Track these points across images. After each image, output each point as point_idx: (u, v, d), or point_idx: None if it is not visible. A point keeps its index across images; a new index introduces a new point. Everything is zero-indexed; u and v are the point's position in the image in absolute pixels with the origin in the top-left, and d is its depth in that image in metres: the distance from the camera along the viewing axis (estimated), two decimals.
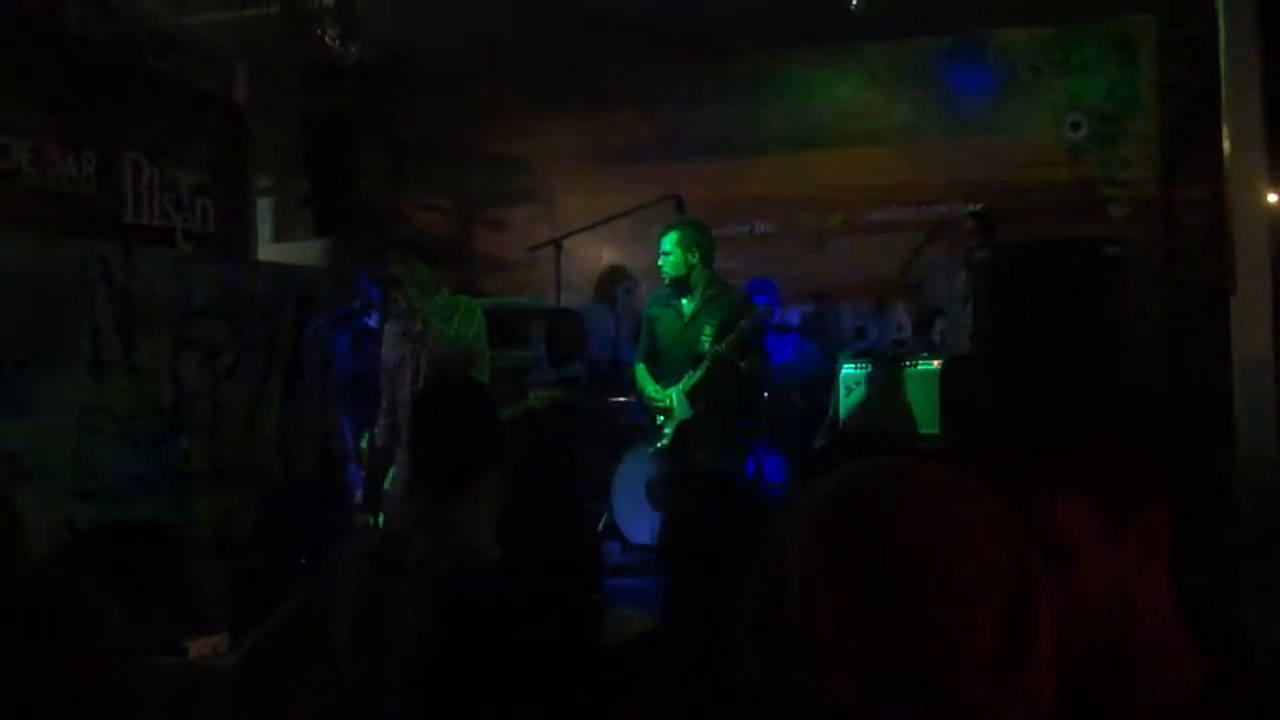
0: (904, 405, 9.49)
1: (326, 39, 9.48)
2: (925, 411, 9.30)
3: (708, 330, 8.82)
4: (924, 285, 10.44)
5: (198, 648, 7.80)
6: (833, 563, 1.44)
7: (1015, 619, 1.42)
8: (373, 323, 9.95)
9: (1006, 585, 1.42)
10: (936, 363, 9.46)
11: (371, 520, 8.73)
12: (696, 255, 8.86)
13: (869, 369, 9.80)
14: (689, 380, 8.84)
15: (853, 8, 9.34)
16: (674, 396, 8.87)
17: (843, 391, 9.84)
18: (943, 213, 11.27)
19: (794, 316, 11.69)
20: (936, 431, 9.08)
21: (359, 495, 9.57)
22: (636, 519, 9.56)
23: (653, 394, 9.00)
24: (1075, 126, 11.44)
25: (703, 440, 8.74)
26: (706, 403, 8.76)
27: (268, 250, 12.52)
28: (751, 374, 8.79)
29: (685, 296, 8.95)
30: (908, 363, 9.69)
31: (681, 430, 8.88)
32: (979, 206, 10.85)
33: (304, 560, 8.41)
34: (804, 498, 1.53)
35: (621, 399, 10.96)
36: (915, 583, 1.40)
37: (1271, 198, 9.32)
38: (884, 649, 1.40)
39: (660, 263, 9.00)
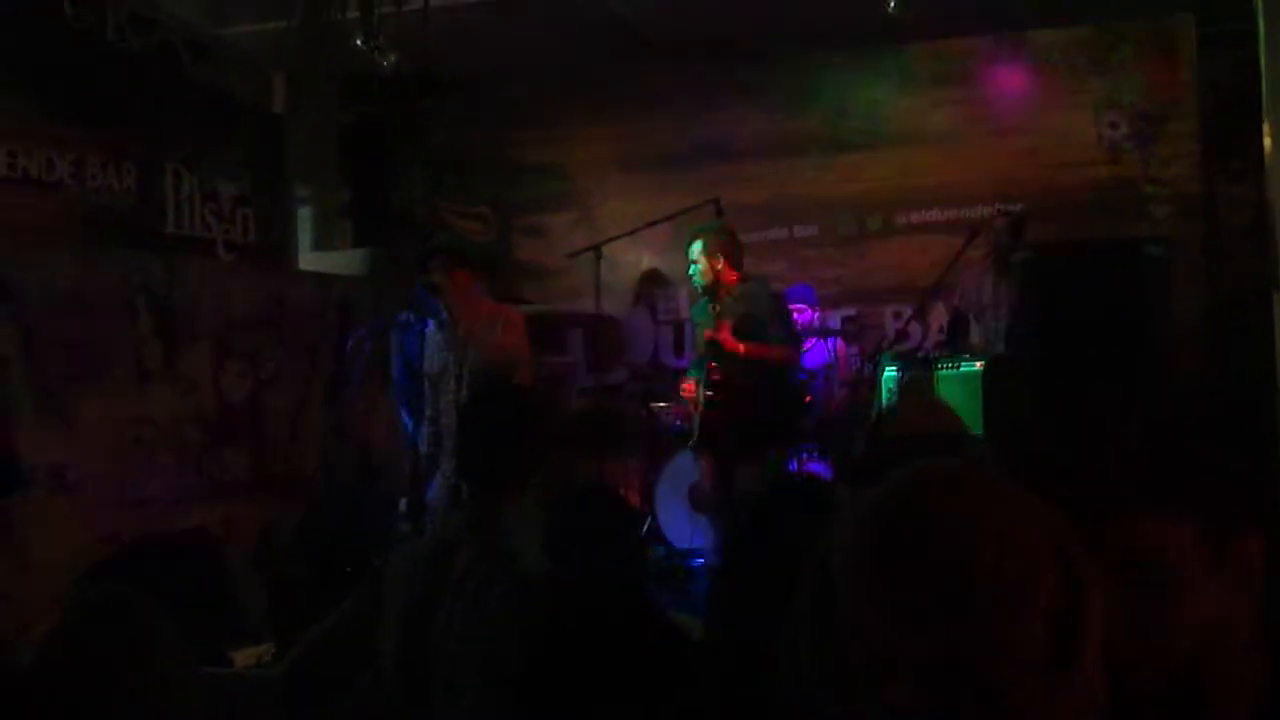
0: (944, 407, 9.47)
1: (363, 48, 9.49)
2: (968, 414, 9.27)
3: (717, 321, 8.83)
4: (957, 288, 10.38)
5: (243, 658, 7.83)
6: (880, 567, 1.44)
7: (1064, 620, 1.41)
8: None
9: (1053, 586, 1.41)
10: (979, 365, 9.43)
11: (415, 528, 8.73)
12: (722, 260, 8.84)
13: (911, 372, 9.78)
14: (694, 372, 8.85)
15: (890, 9, 9.31)
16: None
17: (884, 394, 9.82)
18: (983, 214, 11.19)
19: (835, 320, 11.65)
20: (979, 434, 9.05)
21: (403, 504, 9.57)
22: (680, 524, 9.56)
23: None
24: (1115, 125, 11.37)
25: (726, 436, 8.69)
26: (725, 396, 8.71)
27: (308, 259, 12.55)
28: (762, 363, 8.67)
29: (717, 301, 8.93)
30: (949, 365, 9.66)
31: (705, 425, 8.85)
32: (1011, 206, 10.81)
33: (348, 569, 8.42)
34: (852, 505, 1.52)
35: (663, 404, 10.96)
36: (961, 586, 1.40)
37: None
38: (934, 652, 1.39)
39: (689, 271, 9.00)
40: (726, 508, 8.53)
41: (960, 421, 9.08)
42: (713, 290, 8.93)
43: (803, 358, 9.36)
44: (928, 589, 1.40)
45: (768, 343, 8.70)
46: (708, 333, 8.78)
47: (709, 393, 8.78)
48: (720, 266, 8.83)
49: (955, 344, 10.37)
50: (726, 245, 8.91)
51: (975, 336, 10.42)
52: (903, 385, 9.64)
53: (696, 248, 8.94)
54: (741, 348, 8.63)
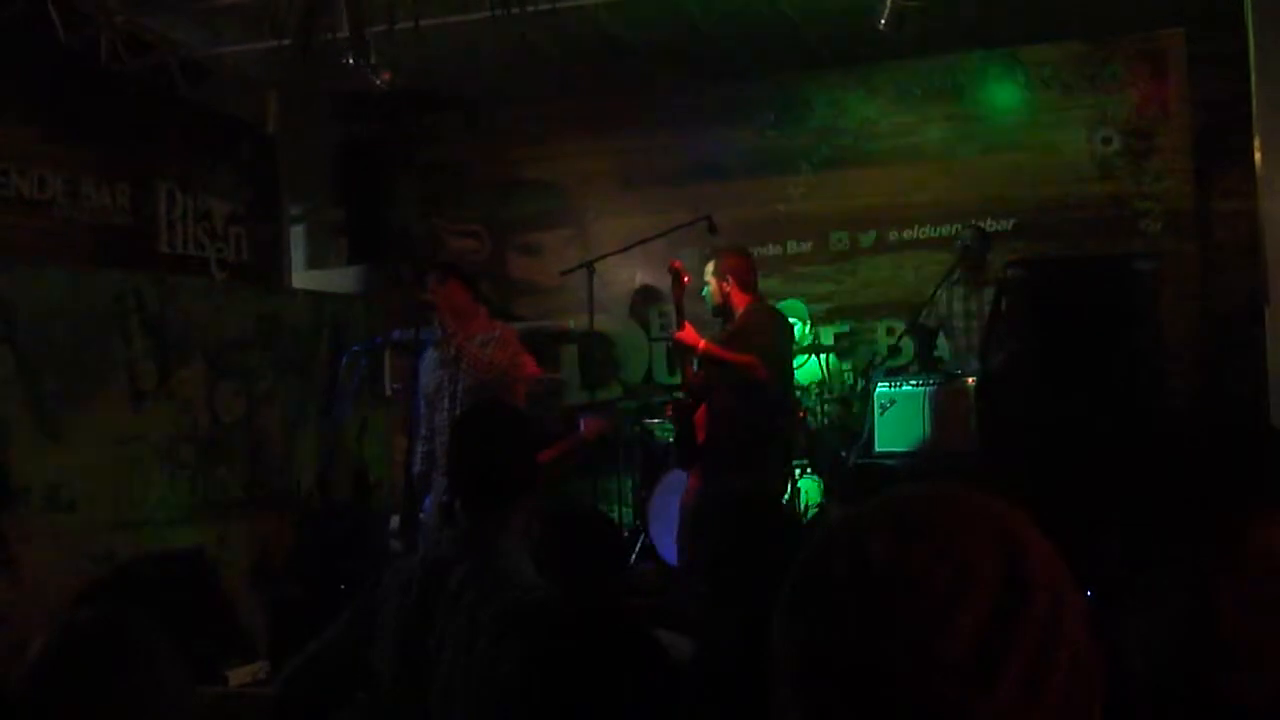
0: (936, 423, 9.49)
1: (355, 67, 9.51)
2: (959, 430, 9.29)
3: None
4: (927, 303, 10.39)
5: (238, 676, 7.85)
6: (819, 576, 1.45)
7: (996, 630, 1.40)
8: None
9: (986, 592, 1.41)
10: (970, 380, 9.45)
11: (408, 546, 8.73)
12: (731, 281, 8.84)
13: (902, 387, 9.80)
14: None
15: (882, 26, 9.34)
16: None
17: (877, 410, 9.84)
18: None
19: (828, 336, 11.67)
20: (971, 450, 9.06)
21: (396, 522, 9.58)
22: (672, 540, 9.56)
23: None
24: (1106, 141, 11.40)
25: (718, 457, 8.69)
26: (718, 415, 8.71)
27: (302, 278, 12.56)
28: (752, 380, 8.67)
29: (728, 322, 8.94)
30: (940, 380, 9.69)
31: (676, 426, 8.89)
32: (975, 222, 10.82)
33: (342, 587, 8.43)
34: (842, 523, 1.53)
35: (655, 421, 10.98)
36: (890, 590, 1.39)
37: None
38: (859, 655, 1.39)
39: (701, 291, 9.02)
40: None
41: (948, 437, 9.15)
42: (723, 311, 8.94)
43: (786, 383, 9.27)
44: (856, 592, 1.40)
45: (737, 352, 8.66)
46: (674, 333, 8.80)
47: (679, 394, 8.81)
48: (729, 289, 8.84)
49: (925, 358, 10.40)
50: (736, 268, 8.90)
51: (943, 351, 10.45)
52: (895, 401, 9.67)
53: (707, 269, 8.98)
54: (701, 343, 8.62)
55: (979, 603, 1.38)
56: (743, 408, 8.59)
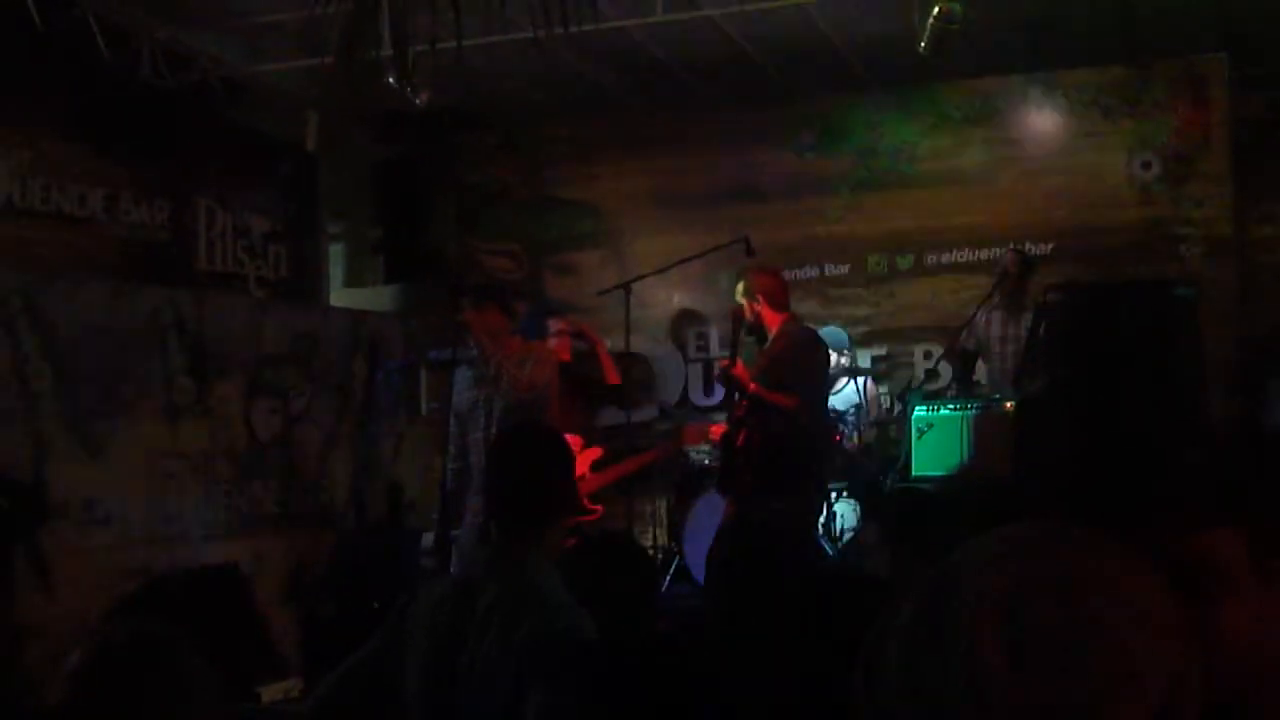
0: (974, 448, 9.45)
1: (396, 87, 9.53)
2: (997, 455, 9.25)
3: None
4: (966, 328, 10.36)
5: (270, 693, 7.84)
6: (1011, 606, 1.44)
7: (1173, 702, 1.42)
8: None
9: (1173, 667, 1.42)
10: (1009, 405, 9.41)
11: (441, 566, 8.72)
12: (762, 301, 8.84)
13: (939, 411, 9.77)
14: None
15: (921, 49, 9.33)
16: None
17: (914, 434, 9.81)
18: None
19: (865, 359, 11.64)
20: (1009, 476, 9.01)
21: (429, 540, 9.57)
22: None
23: None
24: (1146, 166, 11.36)
25: (754, 480, 8.69)
26: (755, 441, 8.72)
27: (339, 296, 12.59)
28: (773, 405, 8.68)
29: (762, 342, 8.95)
30: (978, 405, 9.65)
31: (723, 458, 8.91)
32: (1019, 245, 10.81)
33: (375, 606, 8.43)
34: (978, 549, 1.52)
35: (694, 446, 10.97)
36: (1091, 644, 1.40)
37: None
38: (1049, 705, 1.40)
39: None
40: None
41: (987, 461, 9.12)
42: (756, 331, 8.95)
43: (818, 411, 9.28)
44: (1053, 651, 1.41)
45: (785, 391, 8.68)
46: (722, 362, 8.82)
47: (728, 427, 8.82)
48: (760, 309, 8.84)
49: (964, 383, 10.37)
50: (767, 286, 8.91)
51: (982, 375, 10.42)
52: (932, 424, 9.64)
53: (738, 288, 8.99)
54: (751, 386, 8.65)
55: (1156, 691, 1.40)
56: (780, 435, 8.61)
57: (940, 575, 1.53)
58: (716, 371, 8.84)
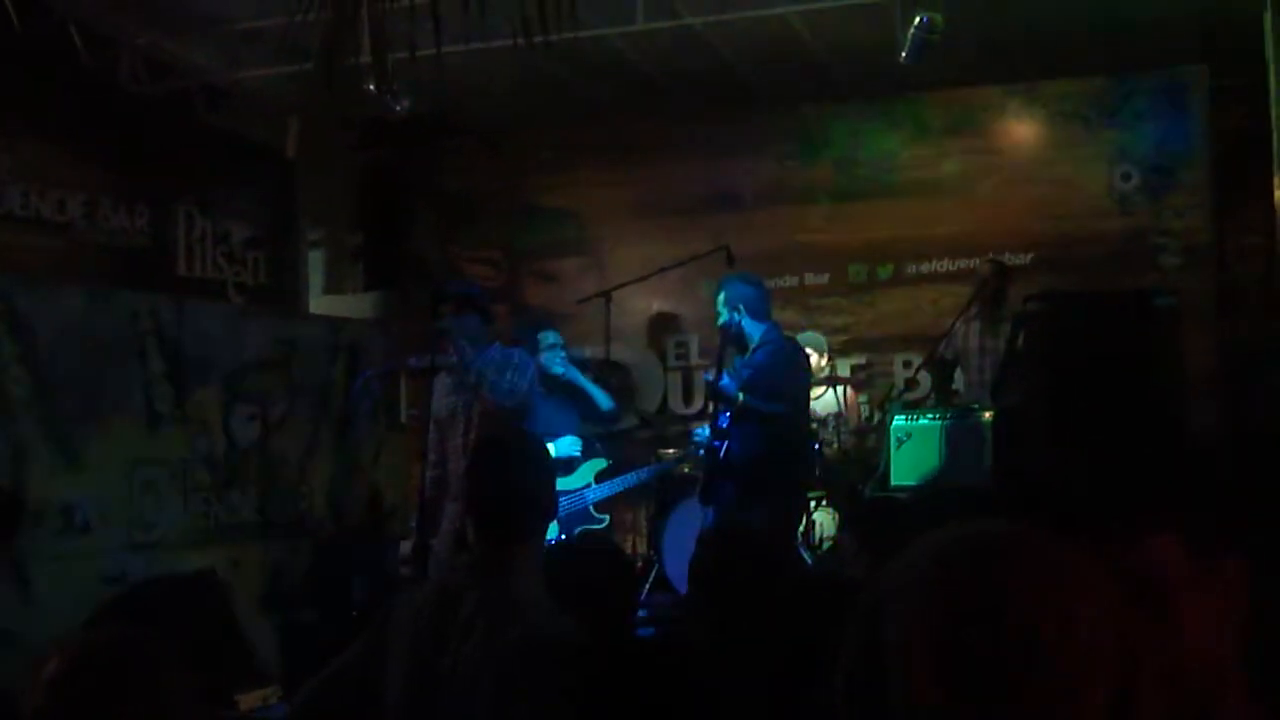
0: (953, 456, 9.45)
1: (376, 93, 9.52)
2: (974, 464, 9.25)
3: (745, 374, 8.85)
4: (945, 338, 10.38)
5: (248, 700, 7.82)
6: (942, 636, 1.44)
7: (1118, 707, 1.41)
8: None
9: (1114, 669, 1.41)
10: (987, 415, 9.41)
11: (419, 573, 8.70)
12: (742, 309, 8.85)
13: (918, 420, 9.77)
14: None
15: (902, 59, 9.34)
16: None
17: (893, 443, 9.81)
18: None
19: (845, 368, 11.65)
20: (987, 485, 9.02)
21: (407, 548, 9.55)
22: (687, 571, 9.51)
23: None
24: (1126, 177, 11.39)
25: (736, 488, 8.71)
26: (739, 450, 8.73)
27: (319, 303, 12.57)
28: (764, 415, 8.69)
29: (743, 351, 8.95)
30: (956, 414, 9.66)
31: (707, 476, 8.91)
32: (997, 256, 10.84)
33: (354, 613, 8.41)
34: (903, 564, 1.52)
35: (670, 451, 10.96)
36: (1026, 664, 1.40)
37: None
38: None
39: (718, 322, 9.04)
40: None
41: (965, 470, 9.13)
42: (737, 340, 8.95)
43: (802, 421, 9.31)
44: (989, 662, 1.40)
45: (770, 401, 8.69)
46: (716, 382, 8.79)
47: (714, 440, 8.81)
48: (741, 318, 8.85)
49: (942, 392, 10.39)
50: (746, 295, 8.92)
51: (960, 385, 10.44)
52: (911, 434, 9.64)
53: (719, 297, 8.99)
54: (740, 398, 8.66)
55: (1105, 680, 1.40)
56: (762, 445, 8.63)
57: (872, 602, 1.52)
58: (705, 386, 8.83)
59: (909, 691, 1.43)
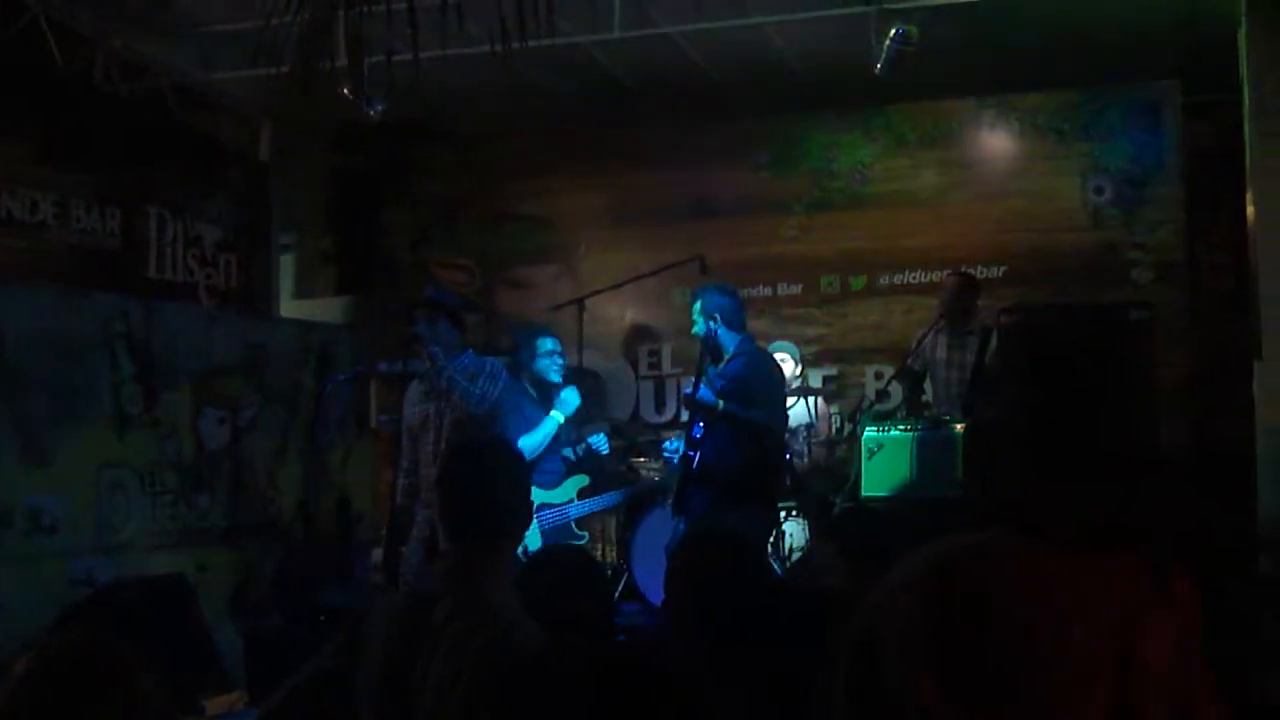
0: (924, 468, 9.46)
1: (351, 98, 9.50)
2: (946, 474, 9.25)
3: (719, 384, 8.84)
4: (914, 350, 10.39)
5: (215, 705, 7.78)
6: (939, 645, 1.44)
7: (1117, 711, 1.41)
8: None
9: (1111, 678, 1.41)
10: (958, 427, 9.42)
11: (389, 581, 8.68)
12: (719, 319, 8.85)
13: (890, 432, 9.77)
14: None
15: (878, 71, 9.35)
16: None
17: (864, 454, 9.81)
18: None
19: (817, 379, 11.65)
20: (958, 497, 9.02)
21: (377, 555, 9.52)
22: (656, 579, 9.51)
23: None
24: (1099, 190, 11.42)
25: (710, 496, 8.72)
26: (713, 457, 8.73)
27: (290, 306, 12.55)
28: (745, 421, 8.70)
29: (718, 361, 8.95)
30: (927, 426, 9.66)
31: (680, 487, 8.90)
32: (964, 269, 10.85)
33: (322, 619, 8.38)
34: (902, 571, 1.52)
35: (641, 460, 10.95)
36: (1022, 667, 1.40)
37: None
38: None
39: (693, 331, 9.05)
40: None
41: (936, 482, 9.14)
42: (712, 349, 8.95)
43: (777, 431, 9.31)
44: (983, 668, 1.40)
45: (747, 408, 8.70)
46: (694, 394, 8.78)
47: (688, 451, 8.80)
48: (717, 328, 8.85)
49: (912, 403, 10.39)
50: (722, 305, 8.92)
51: (930, 397, 10.45)
52: (883, 445, 9.64)
53: (695, 306, 8.99)
54: (720, 405, 8.66)
55: (1102, 691, 1.40)
56: (738, 453, 8.64)
57: (871, 608, 1.52)
58: (683, 398, 8.82)
59: (907, 693, 1.43)
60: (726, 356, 8.90)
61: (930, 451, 9.48)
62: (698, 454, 8.72)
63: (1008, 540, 1.52)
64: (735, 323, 8.96)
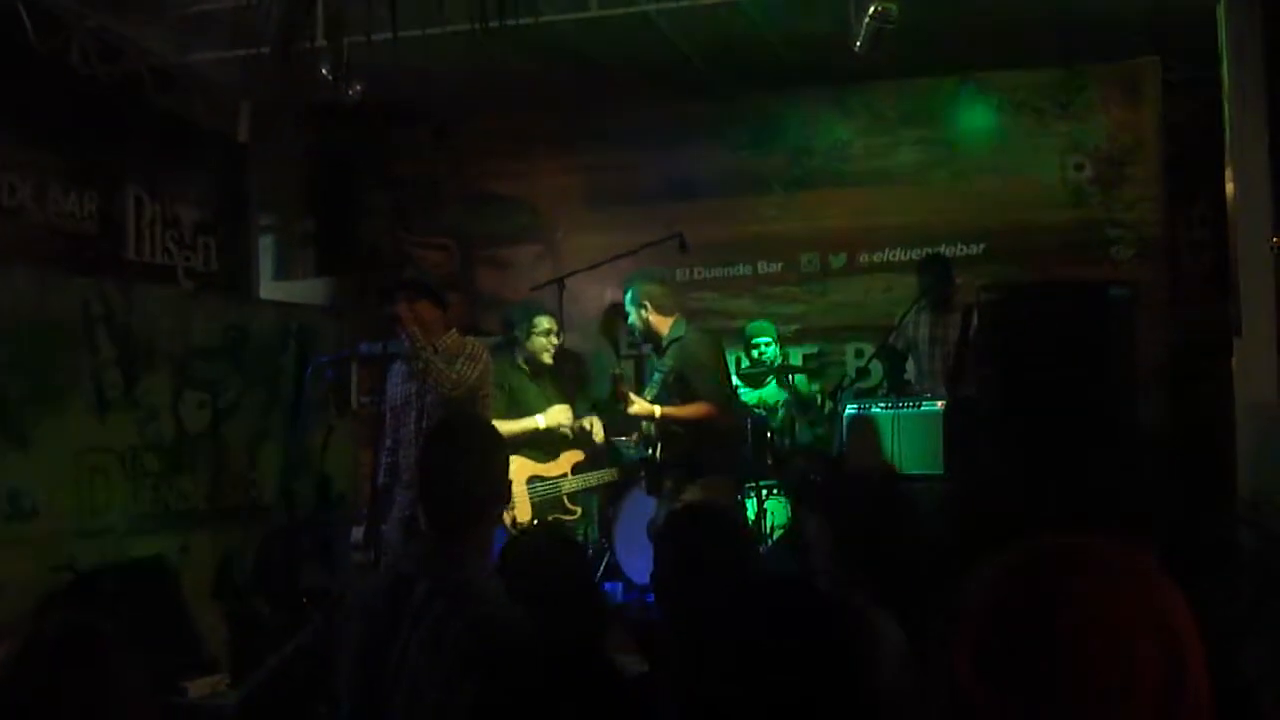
0: (905, 445, 9.48)
1: (330, 78, 9.47)
2: (927, 452, 9.28)
3: (656, 376, 8.89)
4: (896, 329, 10.41)
5: (197, 688, 7.78)
6: (989, 635, 1.44)
7: (1165, 711, 1.42)
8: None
9: (1158, 678, 1.42)
10: (939, 404, 9.44)
11: (370, 561, 8.67)
12: (650, 308, 8.88)
13: (871, 409, 9.79)
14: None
15: (857, 48, 9.34)
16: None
17: (845, 432, 9.83)
18: (951, 254, 11.18)
19: (797, 357, 11.66)
20: (939, 472, 9.05)
21: (358, 535, 9.51)
22: (638, 559, 9.53)
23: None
24: (1079, 168, 11.42)
25: (674, 474, 8.78)
26: (672, 438, 8.79)
27: (270, 288, 12.52)
28: (684, 420, 8.76)
29: (658, 351, 8.99)
30: (909, 404, 9.68)
31: (647, 471, 8.96)
32: (937, 249, 10.87)
33: (304, 601, 8.38)
34: (983, 568, 1.53)
35: (622, 439, 10.95)
36: (1072, 668, 1.40)
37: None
38: None
39: (628, 321, 9.09)
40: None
41: (916, 459, 9.19)
42: (649, 337, 9.00)
43: (730, 406, 9.34)
44: (1038, 665, 1.41)
45: (692, 401, 8.73)
46: (629, 409, 8.84)
47: (648, 450, 8.89)
48: (648, 315, 8.87)
49: (894, 381, 10.40)
50: (651, 292, 8.94)
51: (911, 375, 10.47)
52: (864, 422, 9.68)
53: (625, 297, 9.01)
54: (657, 412, 8.71)
55: (1148, 693, 1.40)
56: (693, 433, 8.69)
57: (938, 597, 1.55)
58: (621, 407, 8.86)
59: (954, 688, 1.43)
60: (664, 344, 8.91)
61: (911, 429, 9.51)
62: (654, 448, 8.85)
63: (1071, 540, 1.53)
64: (666, 307, 8.97)
